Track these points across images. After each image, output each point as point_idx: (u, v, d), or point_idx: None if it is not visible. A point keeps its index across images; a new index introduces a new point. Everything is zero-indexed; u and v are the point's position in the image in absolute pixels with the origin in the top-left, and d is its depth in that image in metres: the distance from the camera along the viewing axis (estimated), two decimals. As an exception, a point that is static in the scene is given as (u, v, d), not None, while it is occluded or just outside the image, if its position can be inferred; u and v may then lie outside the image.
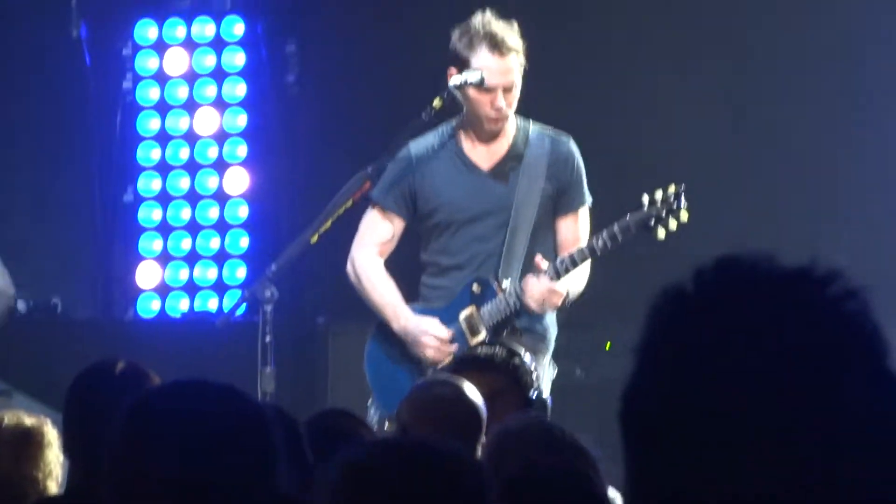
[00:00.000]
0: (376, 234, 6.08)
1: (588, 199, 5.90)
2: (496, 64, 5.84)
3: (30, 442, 4.19)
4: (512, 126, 5.99)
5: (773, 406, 1.30)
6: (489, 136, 6.02)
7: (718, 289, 1.34)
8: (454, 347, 5.81)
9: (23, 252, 8.47)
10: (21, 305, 7.94)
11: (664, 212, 5.69)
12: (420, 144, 6.00)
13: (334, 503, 2.45)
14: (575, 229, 5.84)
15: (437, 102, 5.83)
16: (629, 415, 1.36)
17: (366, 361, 6.09)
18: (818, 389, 1.30)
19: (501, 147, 5.99)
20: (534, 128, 6.01)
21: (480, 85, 5.82)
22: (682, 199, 5.73)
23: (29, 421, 4.31)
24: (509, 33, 5.84)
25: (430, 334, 5.86)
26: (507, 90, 5.83)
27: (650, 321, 1.39)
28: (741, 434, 1.30)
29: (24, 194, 8.72)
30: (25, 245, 8.58)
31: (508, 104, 5.87)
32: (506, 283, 5.75)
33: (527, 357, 4.79)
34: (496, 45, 5.84)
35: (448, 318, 5.90)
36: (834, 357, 1.32)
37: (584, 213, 5.87)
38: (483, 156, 6.00)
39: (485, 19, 5.86)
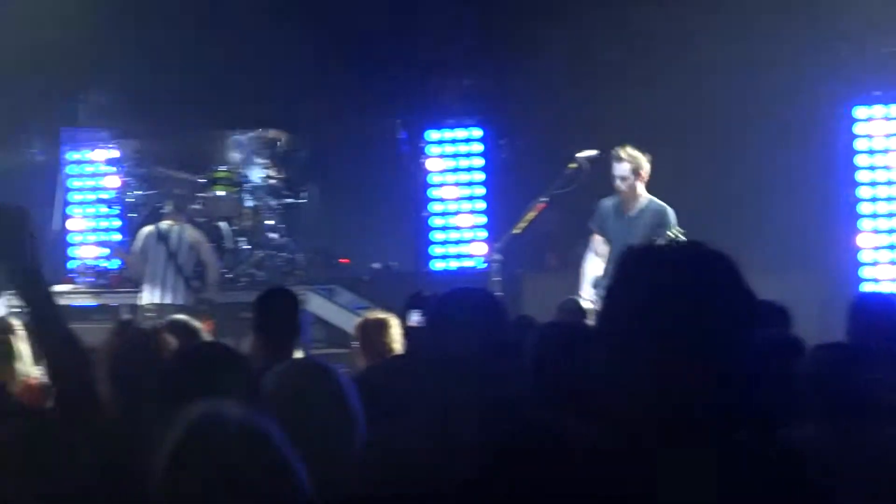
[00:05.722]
0: (599, 246, 9.01)
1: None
2: (615, 168, 9.05)
3: None
4: (643, 194, 8.97)
5: (672, 319, 2.01)
6: (629, 198, 8.99)
7: (637, 260, 2.09)
8: None
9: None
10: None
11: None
12: (607, 200, 9.02)
13: None
14: None
15: (572, 164, 9.16)
16: (603, 318, 2.09)
17: None
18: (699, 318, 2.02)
19: (638, 204, 9.03)
20: (652, 199, 9.00)
21: (596, 160, 9.04)
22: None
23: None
24: (630, 151, 8.90)
25: None
26: (622, 179, 8.98)
27: (614, 270, 2.16)
28: (655, 332, 2.02)
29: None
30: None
31: (626, 186, 8.92)
32: None
33: None
34: (618, 158, 8.99)
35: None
36: (696, 294, 1.99)
37: None
38: (625, 208, 9.07)
39: (623, 146, 8.94)
